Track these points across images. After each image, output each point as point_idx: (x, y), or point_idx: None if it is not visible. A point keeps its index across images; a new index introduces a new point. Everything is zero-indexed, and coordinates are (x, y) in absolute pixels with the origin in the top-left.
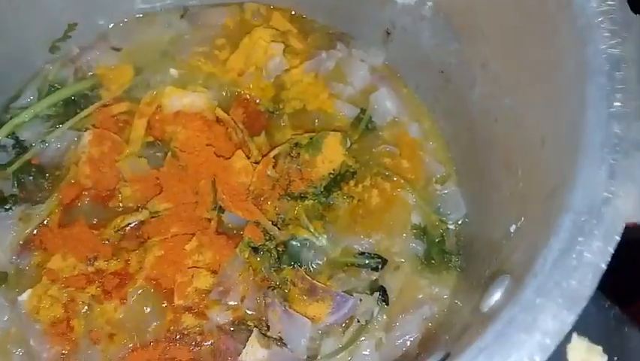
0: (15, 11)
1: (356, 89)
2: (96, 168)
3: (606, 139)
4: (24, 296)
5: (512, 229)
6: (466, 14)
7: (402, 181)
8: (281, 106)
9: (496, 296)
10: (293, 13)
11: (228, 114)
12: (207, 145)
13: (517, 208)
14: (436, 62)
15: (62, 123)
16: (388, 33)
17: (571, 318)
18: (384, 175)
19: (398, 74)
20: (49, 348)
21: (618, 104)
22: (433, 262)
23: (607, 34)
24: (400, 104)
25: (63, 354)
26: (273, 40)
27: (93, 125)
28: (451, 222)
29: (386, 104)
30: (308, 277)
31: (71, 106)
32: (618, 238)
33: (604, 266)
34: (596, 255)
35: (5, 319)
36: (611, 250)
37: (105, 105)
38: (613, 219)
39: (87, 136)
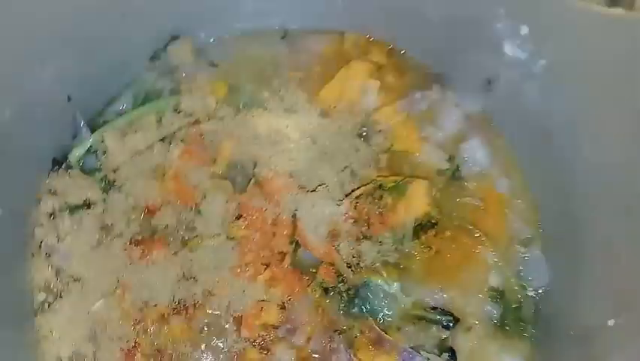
0: (122, 18)
1: (446, 135)
2: (181, 184)
3: None
4: (96, 306)
5: (610, 323)
6: (581, 77)
7: (483, 238)
8: (369, 143)
9: None
10: (391, 47)
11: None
12: (291, 175)
13: (617, 302)
14: (539, 119)
15: (152, 135)
16: (490, 82)
17: None
18: (466, 229)
19: (493, 123)
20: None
21: None
22: (507, 328)
23: None
24: (491, 155)
25: None
26: (369, 77)
27: (182, 141)
28: (531, 289)
29: (476, 154)
30: (376, 326)
31: (163, 118)
32: None
33: None
34: None
35: (76, 328)
36: None
37: (196, 121)
38: None
39: (176, 151)
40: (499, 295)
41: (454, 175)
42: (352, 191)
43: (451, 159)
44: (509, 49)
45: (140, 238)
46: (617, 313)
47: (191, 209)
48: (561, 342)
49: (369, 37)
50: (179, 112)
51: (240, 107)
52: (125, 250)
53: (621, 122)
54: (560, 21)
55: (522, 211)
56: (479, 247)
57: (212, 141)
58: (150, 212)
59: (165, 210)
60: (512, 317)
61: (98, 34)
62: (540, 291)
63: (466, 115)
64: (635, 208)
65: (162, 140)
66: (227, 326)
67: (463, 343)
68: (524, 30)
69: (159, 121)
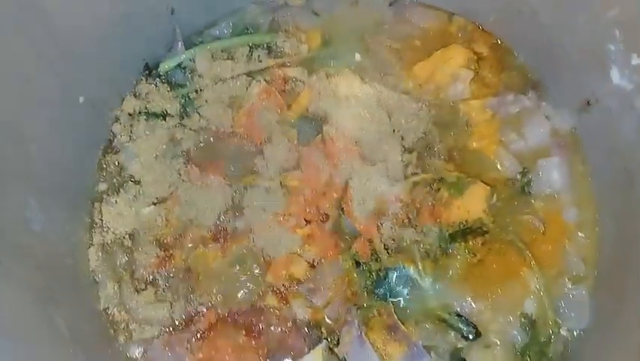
0: None
1: (528, 146)
2: (252, 120)
3: None
4: (146, 210)
5: None
6: None
7: (533, 262)
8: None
9: None
10: (497, 41)
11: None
12: (356, 143)
13: None
14: (628, 157)
15: (240, 66)
16: (589, 103)
17: None
18: (517, 247)
19: (581, 147)
20: (150, 262)
21: None
22: (527, 359)
23: None
24: (569, 179)
25: (157, 272)
26: (465, 66)
27: (265, 80)
28: (565, 328)
29: (553, 174)
30: (394, 313)
31: (254, 53)
32: None
33: None
34: None
35: (124, 223)
36: None
37: (283, 64)
38: None
39: (256, 87)
40: (529, 324)
41: (523, 190)
42: (411, 175)
43: (524, 171)
44: (616, 75)
45: (201, 159)
46: None
47: (255, 147)
48: None
49: (478, 26)
50: (270, 51)
51: (330, 62)
52: (186, 166)
53: None
54: None
55: (583, 247)
56: (525, 269)
57: (293, 87)
58: (218, 138)
59: (231, 140)
60: (536, 350)
61: None
62: (575, 333)
63: (555, 131)
64: None
65: (248, 74)
66: (255, 266)
67: (476, 358)
68: (636, 60)
69: (250, 54)
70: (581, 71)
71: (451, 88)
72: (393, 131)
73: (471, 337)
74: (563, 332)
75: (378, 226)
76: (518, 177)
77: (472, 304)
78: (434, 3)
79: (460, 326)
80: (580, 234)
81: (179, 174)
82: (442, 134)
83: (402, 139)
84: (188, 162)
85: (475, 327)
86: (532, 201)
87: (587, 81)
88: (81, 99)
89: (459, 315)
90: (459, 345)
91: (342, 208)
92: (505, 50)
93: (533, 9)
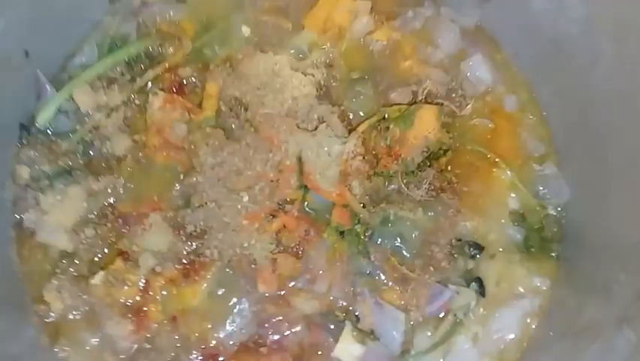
0: None
1: (445, 54)
2: (167, 137)
3: None
4: (96, 279)
5: None
6: None
7: (497, 159)
8: (363, 72)
9: None
10: None
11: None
12: (288, 116)
13: None
14: (547, 29)
15: (125, 87)
16: None
17: None
18: (480, 152)
19: (493, 37)
20: (127, 335)
21: None
22: (532, 250)
23: None
24: (495, 72)
25: (142, 339)
26: None
27: (160, 90)
28: (551, 207)
29: (479, 72)
30: (399, 265)
31: (135, 67)
32: None
33: None
34: None
35: (75, 304)
36: None
37: (172, 67)
38: None
39: (155, 101)
40: (520, 218)
41: (461, 95)
42: (356, 126)
43: (454, 79)
44: None
45: (132, 202)
46: None
47: (183, 164)
48: (588, 257)
49: None
50: (152, 58)
51: (218, 46)
52: (118, 216)
53: None
54: None
55: (533, 127)
56: (494, 170)
57: (195, 86)
58: (140, 171)
59: (154, 167)
60: (536, 239)
61: None
62: (560, 208)
63: (464, 31)
64: None
65: (139, 91)
66: (242, 283)
67: (489, 271)
68: None
69: (131, 70)
70: None
71: (355, 24)
72: (317, 90)
73: (477, 254)
74: (552, 212)
75: (348, 189)
76: (451, 86)
77: (465, 224)
78: None
79: (464, 249)
80: (527, 116)
81: (114, 229)
82: (366, 74)
83: (329, 95)
84: (117, 210)
85: (476, 244)
86: (473, 104)
87: None
88: None
89: (458, 240)
90: (468, 267)
91: (305, 186)
92: None
93: None
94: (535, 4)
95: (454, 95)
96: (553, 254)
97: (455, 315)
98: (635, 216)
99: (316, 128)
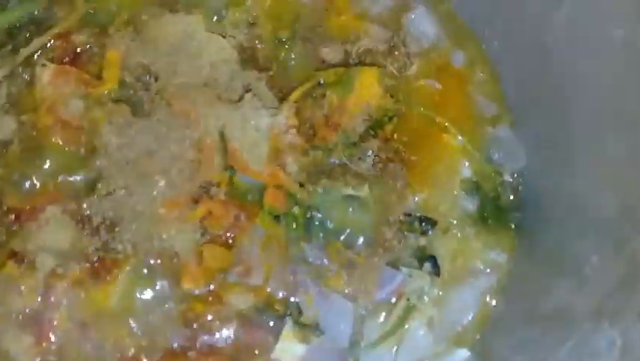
0: None
1: (385, 6)
2: (60, 116)
3: None
4: None
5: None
6: None
7: (447, 124)
8: (292, 32)
9: None
10: None
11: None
12: (206, 85)
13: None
14: None
15: (7, 59)
16: None
17: None
18: (427, 116)
19: None
20: (27, 348)
21: None
22: (488, 221)
23: None
24: (440, 26)
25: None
26: None
27: (50, 61)
28: (507, 174)
29: (423, 26)
30: (344, 248)
31: (18, 35)
32: None
33: None
34: None
35: None
36: None
37: (63, 34)
38: None
39: (45, 74)
40: (474, 187)
41: (404, 54)
42: (286, 95)
43: (395, 35)
44: None
45: (25, 193)
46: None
47: (83, 147)
48: (551, 230)
49: None
50: (39, 24)
51: (118, 6)
52: (7, 212)
53: None
54: None
55: (484, 86)
56: (444, 135)
57: (92, 54)
58: (29, 158)
59: (48, 152)
60: (492, 208)
61: None
62: (517, 174)
63: None
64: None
65: (24, 64)
66: (162, 280)
67: (443, 248)
68: None
69: (13, 39)
70: None
71: None
72: (239, 54)
73: (429, 230)
74: (508, 178)
75: (281, 167)
76: (392, 43)
77: (415, 198)
78: None
79: (415, 224)
80: (477, 73)
81: (3, 226)
82: (295, 33)
83: (254, 59)
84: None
85: (427, 218)
86: (418, 63)
87: None
88: None
89: (407, 215)
90: (420, 244)
91: (232, 167)
92: None
93: None
94: None
95: (396, 54)
96: (511, 225)
97: (408, 299)
98: (606, 184)
99: (241, 99)
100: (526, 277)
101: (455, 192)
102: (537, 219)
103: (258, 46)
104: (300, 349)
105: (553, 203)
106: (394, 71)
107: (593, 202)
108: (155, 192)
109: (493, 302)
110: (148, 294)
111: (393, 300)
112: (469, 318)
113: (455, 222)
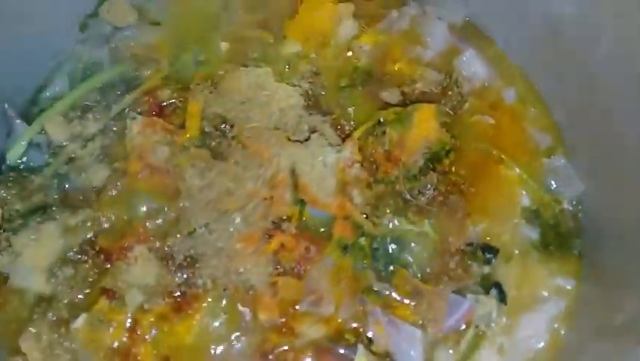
0: None
1: (436, 52)
2: (149, 163)
3: None
4: (78, 323)
5: None
6: None
7: (503, 156)
8: (351, 80)
9: None
10: None
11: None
12: (276, 129)
13: None
14: (539, 13)
15: (101, 114)
16: None
17: None
18: (484, 151)
19: (483, 31)
20: None
21: None
22: (550, 248)
23: None
24: (490, 66)
25: None
26: (340, 1)
27: (139, 113)
28: (565, 201)
29: (473, 67)
30: (411, 277)
31: (110, 94)
32: None
33: None
34: None
35: (56, 353)
36: None
37: (150, 90)
38: None
39: (135, 126)
40: (534, 216)
41: (458, 93)
42: (350, 133)
43: (448, 77)
44: None
45: (114, 235)
46: None
47: (169, 190)
48: (611, 250)
49: None
50: (128, 83)
51: (197, 65)
52: (99, 252)
53: None
54: None
55: (537, 119)
56: (501, 167)
57: (176, 107)
58: (121, 202)
59: (137, 197)
60: (553, 236)
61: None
62: (575, 201)
63: (452, 27)
64: None
65: (116, 118)
66: (240, 312)
67: (507, 275)
68: None
69: (106, 97)
70: None
71: (340, 29)
72: (305, 100)
73: (492, 258)
74: (567, 206)
75: (347, 198)
76: (447, 84)
77: (475, 228)
78: None
79: (478, 253)
80: (529, 109)
81: (96, 266)
82: (355, 80)
83: (318, 105)
84: (96, 247)
85: (490, 247)
86: (471, 101)
87: None
88: None
89: (469, 244)
90: (485, 272)
91: (302, 201)
92: None
93: None
94: None
95: (449, 94)
96: (574, 251)
97: (477, 326)
98: None
99: (308, 139)
100: (592, 299)
101: (516, 221)
102: (598, 243)
103: (322, 93)
104: None
105: (611, 225)
106: (449, 110)
107: None
108: (232, 229)
109: (562, 330)
110: (226, 326)
111: (463, 327)
112: (540, 345)
113: (518, 250)
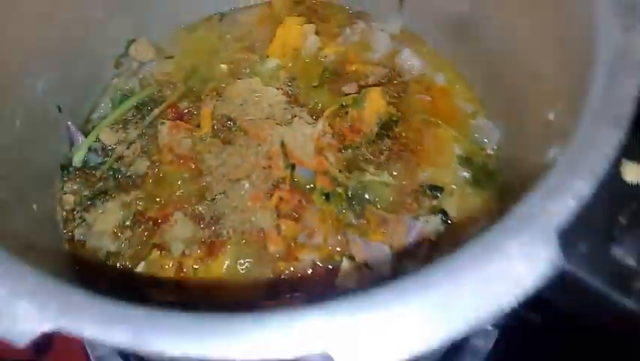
0: (86, 31)
1: (382, 54)
2: (177, 152)
3: None
4: (139, 268)
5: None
6: None
7: (439, 122)
8: (321, 80)
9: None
10: (313, 0)
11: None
12: (268, 118)
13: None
14: (451, 13)
15: (138, 124)
16: (401, 2)
17: None
18: (425, 119)
19: (417, 35)
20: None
21: None
22: (481, 183)
23: None
24: (424, 60)
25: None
26: (302, 23)
27: (166, 120)
28: (489, 149)
29: (411, 61)
30: (378, 211)
31: (143, 110)
32: None
33: None
34: None
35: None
36: None
37: (171, 104)
38: None
39: (164, 128)
40: (466, 161)
41: (401, 82)
42: (321, 115)
43: (392, 71)
44: None
45: (157, 205)
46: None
47: (194, 170)
48: (522, 176)
49: None
50: (155, 101)
51: (205, 82)
52: (148, 219)
53: None
54: None
55: (462, 94)
56: (439, 130)
57: (192, 113)
58: (158, 183)
59: (169, 177)
60: (482, 174)
61: (68, 49)
62: (495, 147)
63: (393, 36)
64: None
65: (149, 126)
66: (256, 248)
67: (450, 205)
68: None
69: (140, 112)
70: None
71: (307, 43)
72: (287, 98)
73: (438, 194)
74: (490, 152)
75: (325, 159)
76: (391, 75)
77: (424, 174)
78: (249, 3)
79: (427, 192)
80: (455, 87)
81: (147, 229)
82: (323, 81)
83: (297, 100)
84: (146, 215)
85: (436, 186)
86: (411, 85)
87: None
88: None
89: (421, 186)
90: (433, 204)
91: (292, 165)
92: (322, 4)
93: None
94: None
95: (395, 82)
96: (498, 183)
97: (430, 240)
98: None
99: (291, 123)
100: None
101: (453, 166)
102: (514, 173)
103: (298, 92)
104: (354, 275)
105: (522, 160)
106: (395, 94)
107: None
108: (243, 192)
109: None
110: (247, 260)
111: (419, 243)
112: None
113: (456, 187)
